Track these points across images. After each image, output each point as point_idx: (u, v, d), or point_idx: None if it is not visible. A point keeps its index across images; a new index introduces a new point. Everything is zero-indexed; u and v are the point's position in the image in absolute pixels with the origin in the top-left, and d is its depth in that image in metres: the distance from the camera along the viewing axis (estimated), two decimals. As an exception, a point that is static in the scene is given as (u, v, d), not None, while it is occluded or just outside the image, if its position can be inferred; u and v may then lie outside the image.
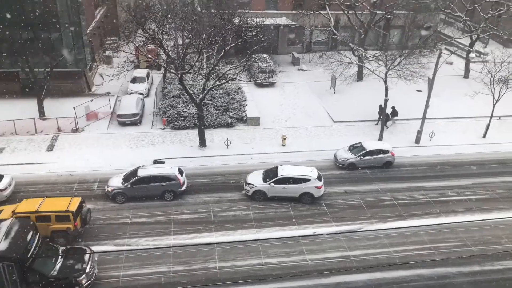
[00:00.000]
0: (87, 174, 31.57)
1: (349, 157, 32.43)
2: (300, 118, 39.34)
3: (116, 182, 29.10)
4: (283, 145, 35.36)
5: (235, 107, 38.01)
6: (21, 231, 21.49)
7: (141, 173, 28.81)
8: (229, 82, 36.76)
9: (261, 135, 37.22)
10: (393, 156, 32.79)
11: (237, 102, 38.55)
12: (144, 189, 28.60)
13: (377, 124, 36.31)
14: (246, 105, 39.22)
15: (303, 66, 47.93)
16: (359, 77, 44.33)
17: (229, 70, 34.68)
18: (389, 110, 37.52)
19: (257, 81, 43.42)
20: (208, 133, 36.50)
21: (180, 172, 29.59)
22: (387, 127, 35.82)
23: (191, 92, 34.57)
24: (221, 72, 36.44)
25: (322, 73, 45.34)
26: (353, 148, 33.12)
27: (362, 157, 31.94)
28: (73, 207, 25.52)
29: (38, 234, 22.31)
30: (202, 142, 34.72)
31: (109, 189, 28.88)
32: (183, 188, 29.25)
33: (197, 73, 36.61)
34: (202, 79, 37.30)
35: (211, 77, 35.69)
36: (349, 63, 38.83)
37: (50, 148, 34.25)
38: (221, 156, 33.65)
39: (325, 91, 43.75)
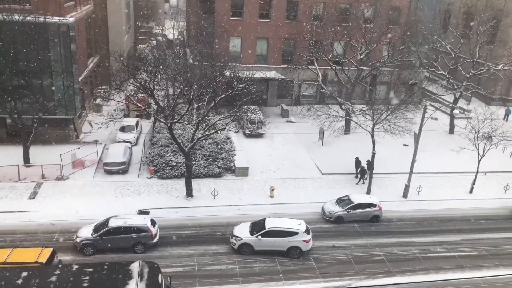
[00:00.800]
0: (69, 224, 30.60)
1: (337, 210, 32.00)
2: (288, 169, 38.94)
3: (85, 233, 28.05)
4: (271, 197, 34.85)
5: (224, 157, 37.69)
6: (152, 273, 21.02)
7: (112, 223, 27.85)
8: (218, 132, 36.09)
9: (249, 185, 36.66)
10: (380, 210, 32.54)
11: (225, 152, 38.24)
12: (114, 241, 27.58)
13: (356, 177, 36.06)
14: (235, 155, 38.88)
15: (292, 118, 48.11)
16: (347, 130, 44.58)
17: (219, 120, 34.43)
18: (364, 164, 37.21)
19: (246, 132, 43.47)
20: (195, 183, 35.88)
21: (153, 223, 28.63)
22: (363, 182, 35.70)
23: (180, 141, 34.14)
24: (210, 122, 35.85)
25: (310, 125, 45.45)
26: (340, 201, 32.70)
27: (349, 210, 31.58)
28: (43, 258, 24.42)
29: (163, 277, 22.01)
30: (189, 192, 34.07)
31: (78, 239, 27.75)
32: (154, 241, 28.29)
33: (186, 123, 36.33)
34: (192, 129, 37.16)
35: (200, 127, 35.33)
36: (337, 116, 39.15)
37: (33, 196, 33.39)
38: (207, 207, 32.83)
39: (313, 143, 43.82)
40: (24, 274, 20.33)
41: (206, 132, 34.17)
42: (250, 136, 43.33)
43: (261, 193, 35.48)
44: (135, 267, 21.22)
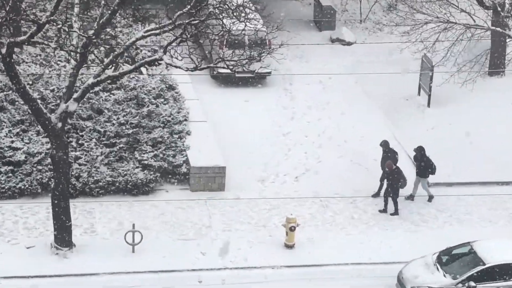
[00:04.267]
0: None
1: (437, 281, 15.05)
2: (336, 170, 18.33)
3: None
4: (289, 246, 15.71)
5: (160, 140, 16.67)
6: None
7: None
8: (144, 70, 17.58)
9: (228, 216, 16.78)
10: None
11: (162, 126, 17.30)
12: None
13: (376, 196, 17.68)
14: (188, 134, 17.14)
15: (346, 31, 24.27)
16: (494, 65, 21.97)
17: (144, 36, 14.29)
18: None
19: (219, 71, 19.89)
20: (81, 209, 16.32)
21: None
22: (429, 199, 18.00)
23: (37, 97, 15.32)
24: (120, 45, 16.00)
25: (394, 50, 22.41)
26: (448, 260, 15.54)
27: (475, 284, 14.77)
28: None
29: None
30: (64, 237, 14.81)
31: None
32: None
33: (53, 49, 15.73)
34: (69, 64, 17.34)
35: (91, 58, 15.83)
36: (471, 26, 18.19)
37: None
38: (113, 274, 14.78)
39: (404, 101, 19.74)
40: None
41: (110, 72, 14.61)
42: (230, 81, 21.00)
43: (261, 236, 16.46)
44: None
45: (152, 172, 15.88)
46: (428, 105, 20.00)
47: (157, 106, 16.94)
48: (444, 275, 14.05)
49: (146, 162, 15.97)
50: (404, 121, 19.77)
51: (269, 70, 19.61)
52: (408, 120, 19.87)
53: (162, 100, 17.24)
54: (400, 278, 14.38)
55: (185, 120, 17.28)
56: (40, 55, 17.82)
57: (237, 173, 16.93)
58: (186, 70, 14.12)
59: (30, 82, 15.96)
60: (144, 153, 16.03)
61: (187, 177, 16.34)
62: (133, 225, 14.35)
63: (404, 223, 15.96)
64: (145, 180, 15.71)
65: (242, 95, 20.25)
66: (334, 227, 15.73)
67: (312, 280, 14.21)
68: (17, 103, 15.93)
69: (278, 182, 16.73)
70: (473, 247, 14.50)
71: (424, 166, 16.46)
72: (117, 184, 15.56)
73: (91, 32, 13.28)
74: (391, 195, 15.99)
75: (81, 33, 13.64)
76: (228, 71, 15.00)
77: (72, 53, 14.37)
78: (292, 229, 14.62)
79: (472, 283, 13.98)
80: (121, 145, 16.03)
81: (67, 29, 13.66)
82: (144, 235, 14.19)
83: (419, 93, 20.61)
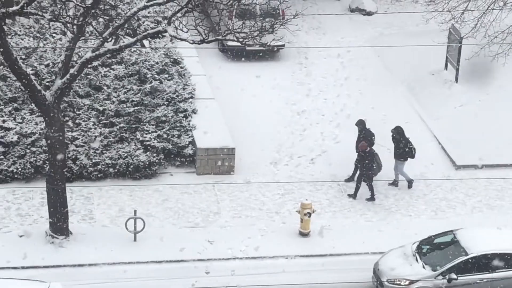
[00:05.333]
0: None
1: (415, 273, 14.63)
2: (354, 153, 17.77)
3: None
4: (304, 234, 15.54)
5: (164, 119, 16.75)
6: None
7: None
8: (147, 44, 17.23)
9: (237, 201, 16.34)
10: None
11: (167, 104, 17.12)
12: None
13: (349, 181, 17.33)
14: (194, 112, 17.17)
15: (366, 0, 23.74)
16: None
17: (146, 6, 13.49)
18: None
19: (228, 44, 19.41)
20: (79, 193, 16.02)
21: None
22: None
23: (31, 72, 14.13)
24: (120, 15, 15.37)
25: (419, 21, 21.87)
26: (428, 249, 15.18)
27: (456, 275, 14.28)
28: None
29: None
30: (60, 225, 14.27)
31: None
32: None
33: (45, 17, 13.99)
34: (65, 37, 16.97)
35: (89, 30, 15.49)
36: None
37: None
38: (114, 264, 14.25)
39: (430, 76, 19.62)
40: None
41: (109, 46, 14.22)
42: (240, 55, 21.01)
43: (273, 224, 16.07)
44: None
45: (155, 154, 15.31)
46: (456, 80, 19.42)
47: (161, 82, 16.33)
48: (424, 267, 13.41)
49: (148, 143, 15.38)
50: (430, 98, 19.25)
51: (282, 42, 18.92)
52: (434, 97, 19.32)
53: (166, 75, 16.69)
54: (375, 270, 13.72)
55: (191, 97, 16.81)
56: (33, 27, 17.22)
57: (248, 155, 16.49)
58: (192, 43, 13.59)
59: (23, 57, 15.29)
60: (146, 134, 15.43)
61: (193, 159, 15.83)
62: (135, 211, 13.82)
63: (428, 209, 15.21)
64: (147, 163, 15.14)
65: (253, 70, 19.78)
66: (353, 213, 15.17)
67: (329, 271, 13.62)
68: (8, 79, 15.35)
69: (292, 164, 16.30)
70: (456, 236, 13.81)
71: (403, 148, 15.87)
72: (117, 167, 14.95)
73: (89, 1, 12.55)
74: (363, 179, 15.45)
75: (78, 3, 12.81)
76: (238, 44, 14.41)
77: (68, 24, 13.60)
78: (307, 215, 14.11)
79: (453, 275, 13.30)
80: (122, 125, 15.40)
81: (63, -1, 12.76)
82: (146, 222, 13.63)
83: (446, 68, 19.99)
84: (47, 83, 14.79)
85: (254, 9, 18.26)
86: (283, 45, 19.47)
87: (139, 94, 15.75)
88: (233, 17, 18.30)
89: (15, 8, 12.06)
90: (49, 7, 16.21)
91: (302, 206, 14.07)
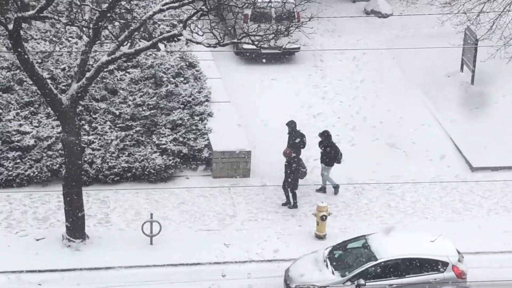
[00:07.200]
0: None
1: (324, 279, 14.18)
2: (369, 154, 18.22)
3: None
4: (320, 237, 15.41)
5: (179, 123, 16.69)
6: None
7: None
8: (161, 47, 15.71)
9: (253, 204, 16.31)
10: (460, 276, 14.13)
11: (182, 108, 17.16)
12: None
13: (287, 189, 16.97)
14: (210, 115, 17.10)
15: (382, 3, 23.59)
16: None
17: (162, 10, 13.43)
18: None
19: (244, 47, 19.33)
20: (94, 197, 16.01)
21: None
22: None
23: (47, 76, 14.99)
24: (136, 19, 14.97)
25: (435, 23, 21.81)
26: (340, 254, 14.76)
27: (363, 280, 13.81)
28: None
29: None
30: (75, 229, 14.31)
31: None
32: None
33: (63, 25, 14.37)
34: (81, 41, 16.88)
35: (105, 34, 15.58)
36: None
37: None
38: (132, 267, 14.32)
39: (446, 79, 19.36)
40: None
41: (125, 49, 14.03)
42: (255, 58, 21.03)
43: (289, 226, 16.24)
44: None
45: (171, 157, 15.24)
46: (472, 82, 19.20)
47: (177, 85, 16.26)
48: (333, 272, 13.01)
49: (164, 146, 15.31)
50: (446, 100, 19.03)
51: (298, 45, 18.75)
52: (449, 99, 19.10)
53: (182, 79, 16.60)
54: (286, 277, 13.29)
55: (207, 100, 16.70)
56: (50, 31, 17.16)
57: (264, 157, 16.38)
58: (207, 46, 13.47)
59: (39, 61, 15.34)
60: (162, 137, 15.37)
61: (209, 162, 15.73)
62: (151, 214, 13.77)
63: (445, 211, 15.03)
64: (163, 166, 15.06)
65: (269, 73, 19.73)
66: (369, 216, 15.02)
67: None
68: (25, 83, 15.34)
69: (308, 167, 16.08)
70: (367, 241, 13.42)
71: (329, 152, 15.48)
72: (133, 170, 14.91)
73: (104, 5, 12.59)
74: (287, 185, 14.92)
75: (94, 6, 12.91)
76: (253, 47, 14.29)
77: (84, 28, 13.65)
78: (323, 218, 13.97)
79: (361, 281, 12.89)
80: (138, 128, 15.35)
81: (78, 3, 12.93)
82: (163, 225, 13.59)
83: (462, 70, 19.72)
84: (63, 87, 14.85)
85: (269, 12, 18.20)
86: (299, 48, 19.35)
87: (155, 98, 15.72)
88: (249, 20, 18.27)
89: (31, 12, 12.14)
90: (65, 11, 16.26)
91: (318, 209, 13.92)
